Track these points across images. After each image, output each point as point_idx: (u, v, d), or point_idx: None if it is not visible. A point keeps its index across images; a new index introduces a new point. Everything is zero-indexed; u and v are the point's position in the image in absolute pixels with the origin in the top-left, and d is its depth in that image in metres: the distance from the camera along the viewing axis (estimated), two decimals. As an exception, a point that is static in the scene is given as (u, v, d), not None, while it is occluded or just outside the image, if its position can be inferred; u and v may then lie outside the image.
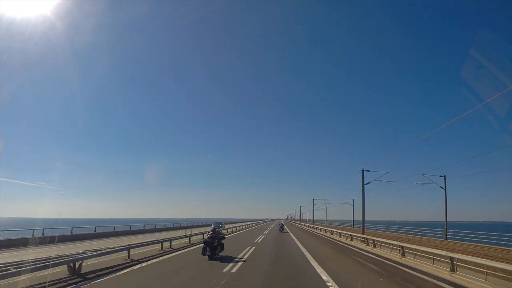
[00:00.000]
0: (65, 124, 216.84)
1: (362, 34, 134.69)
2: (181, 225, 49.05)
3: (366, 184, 27.64)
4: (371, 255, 15.75)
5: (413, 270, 10.82)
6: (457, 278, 9.08)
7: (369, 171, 27.85)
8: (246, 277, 9.61)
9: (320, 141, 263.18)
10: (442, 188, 31.17)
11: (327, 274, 10.04)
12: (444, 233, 30.50)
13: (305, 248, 18.97)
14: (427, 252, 12.07)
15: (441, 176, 31.02)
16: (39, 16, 26.50)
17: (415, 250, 13.03)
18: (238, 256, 14.19)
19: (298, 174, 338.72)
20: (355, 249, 19.28)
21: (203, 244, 14.24)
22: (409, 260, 12.75)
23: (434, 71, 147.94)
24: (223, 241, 14.79)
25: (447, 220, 30.74)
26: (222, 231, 22.78)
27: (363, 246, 19.80)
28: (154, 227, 40.15)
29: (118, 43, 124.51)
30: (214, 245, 13.60)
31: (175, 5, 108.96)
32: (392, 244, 15.67)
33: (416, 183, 31.01)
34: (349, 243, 22.70)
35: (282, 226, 42.37)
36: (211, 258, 13.22)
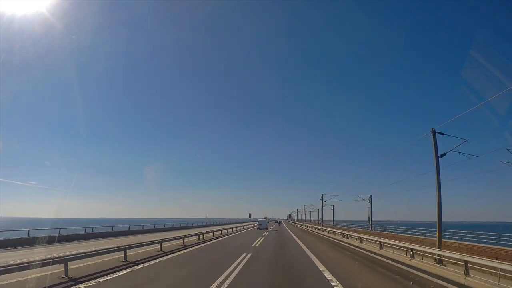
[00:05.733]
0: (63, 123, 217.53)
1: (361, 34, 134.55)
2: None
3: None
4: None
5: None
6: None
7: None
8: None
9: (319, 139, 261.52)
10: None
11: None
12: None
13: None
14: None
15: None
16: (38, 15, 26.72)
17: None
18: None
19: (299, 171, 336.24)
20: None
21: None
22: None
23: (434, 70, 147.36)
24: None
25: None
26: None
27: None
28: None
29: (117, 43, 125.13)
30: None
31: (173, 6, 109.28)
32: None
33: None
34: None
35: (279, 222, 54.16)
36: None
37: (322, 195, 55.80)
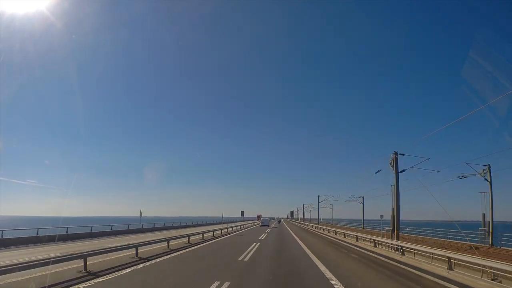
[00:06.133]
0: (63, 123, 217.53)
1: (361, 34, 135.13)
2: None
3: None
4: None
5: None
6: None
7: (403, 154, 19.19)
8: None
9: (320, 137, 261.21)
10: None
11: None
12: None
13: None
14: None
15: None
16: (38, 14, 27.05)
17: None
18: None
19: (299, 171, 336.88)
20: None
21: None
22: None
23: (433, 72, 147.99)
24: None
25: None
26: None
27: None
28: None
29: (117, 43, 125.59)
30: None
31: (173, 6, 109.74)
32: None
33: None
34: None
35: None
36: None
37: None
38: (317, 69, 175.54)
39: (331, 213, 66.48)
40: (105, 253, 11.07)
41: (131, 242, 13.46)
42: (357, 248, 19.83)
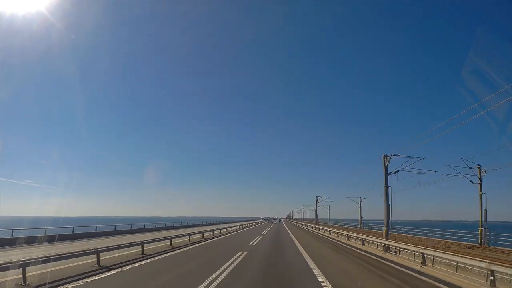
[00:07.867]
0: (62, 122, 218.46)
1: (361, 34, 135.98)
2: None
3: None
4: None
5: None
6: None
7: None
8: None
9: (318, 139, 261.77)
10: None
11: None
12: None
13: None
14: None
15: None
16: (38, 15, 27.47)
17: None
18: None
19: (299, 172, 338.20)
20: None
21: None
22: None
23: (433, 71, 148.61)
24: None
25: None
26: None
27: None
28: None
29: (118, 42, 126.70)
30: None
31: (173, 5, 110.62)
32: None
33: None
34: None
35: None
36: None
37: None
38: (318, 70, 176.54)
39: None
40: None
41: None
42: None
